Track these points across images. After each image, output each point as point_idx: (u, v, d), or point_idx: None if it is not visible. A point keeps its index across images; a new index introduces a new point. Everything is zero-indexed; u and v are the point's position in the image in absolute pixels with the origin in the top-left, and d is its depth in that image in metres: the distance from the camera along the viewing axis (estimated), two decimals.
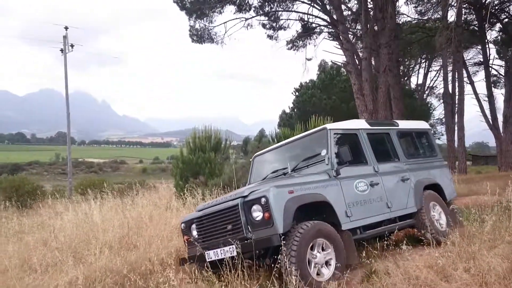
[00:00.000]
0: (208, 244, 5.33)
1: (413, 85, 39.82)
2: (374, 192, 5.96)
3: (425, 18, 26.10)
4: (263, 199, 4.78)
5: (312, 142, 6.30)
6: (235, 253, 4.79)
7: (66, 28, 30.30)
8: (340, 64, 20.45)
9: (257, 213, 4.86)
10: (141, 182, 17.00)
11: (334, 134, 6.01)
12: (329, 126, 6.13)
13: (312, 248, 4.78)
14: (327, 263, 4.88)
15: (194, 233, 5.68)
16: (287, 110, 36.20)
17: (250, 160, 7.63)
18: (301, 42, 22.43)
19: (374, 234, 5.80)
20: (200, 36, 20.91)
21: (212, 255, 5.10)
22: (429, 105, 37.60)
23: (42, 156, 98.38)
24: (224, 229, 5.17)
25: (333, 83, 32.31)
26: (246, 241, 4.82)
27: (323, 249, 4.89)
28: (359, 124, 6.68)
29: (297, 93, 34.93)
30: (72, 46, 30.61)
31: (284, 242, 4.54)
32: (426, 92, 39.75)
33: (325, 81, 33.16)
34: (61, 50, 30.46)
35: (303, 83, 34.67)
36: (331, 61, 24.49)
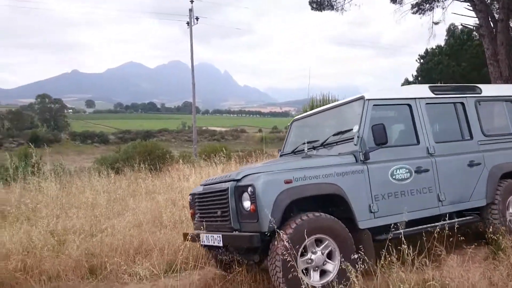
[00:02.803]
0: (205, 225, 4.79)
1: None
2: (420, 180, 4.85)
3: None
4: (250, 188, 4.08)
5: (348, 113, 5.24)
6: (221, 244, 4.37)
7: (192, 1, 31.71)
8: (471, 27, 18.77)
9: (247, 203, 4.17)
10: (260, 150, 17.50)
11: (374, 105, 4.85)
12: (369, 95, 4.94)
13: (304, 252, 4.06)
14: (330, 257, 4.17)
15: (197, 209, 5.14)
16: (410, 79, 34.39)
17: (288, 124, 6.59)
18: (427, 5, 20.89)
19: (415, 232, 4.70)
20: (319, 4, 20.50)
21: (205, 239, 4.64)
22: None
23: (170, 124, 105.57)
24: (216, 214, 4.63)
25: (463, 49, 29.86)
26: (232, 233, 4.31)
27: (317, 245, 4.13)
28: (416, 91, 5.39)
29: (421, 60, 32.97)
30: (197, 19, 32.07)
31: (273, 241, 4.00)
32: None
33: (454, 46, 30.78)
34: (187, 23, 32.06)
35: (429, 50, 32.57)
36: (461, 25, 22.48)
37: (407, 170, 4.77)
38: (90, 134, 78.51)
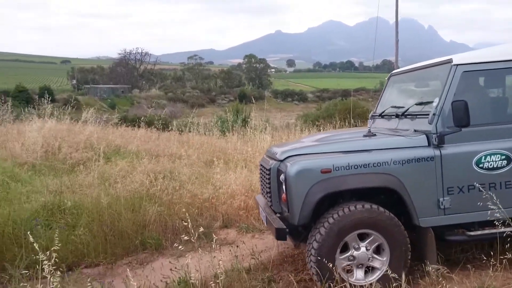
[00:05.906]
0: (263, 198, 4.51)
1: None
2: None
3: None
4: (282, 176, 3.64)
5: (434, 80, 4.23)
6: (265, 224, 4.18)
7: None
8: None
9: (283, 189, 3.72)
10: None
11: (465, 72, 3.73)
12: (460, 58, 3.81)
13: (362, 238, 3.56)
14: (371, 268, 3.61)
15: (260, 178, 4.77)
16: None
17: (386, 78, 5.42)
18: None
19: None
20: None
21: (260, 211, 4.42)
22: None
23: (367, 83, 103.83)
24: (265, 190, 4.25)
25: None
26: (271, 216, 3.98)
27: (361, 239, 3.57)
28: None
29: None
30: None
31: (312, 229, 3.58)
32: None
33: None
34: None
35: None
36: None
37: (503, 157, 3.72)
38: (290, 92, 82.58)
